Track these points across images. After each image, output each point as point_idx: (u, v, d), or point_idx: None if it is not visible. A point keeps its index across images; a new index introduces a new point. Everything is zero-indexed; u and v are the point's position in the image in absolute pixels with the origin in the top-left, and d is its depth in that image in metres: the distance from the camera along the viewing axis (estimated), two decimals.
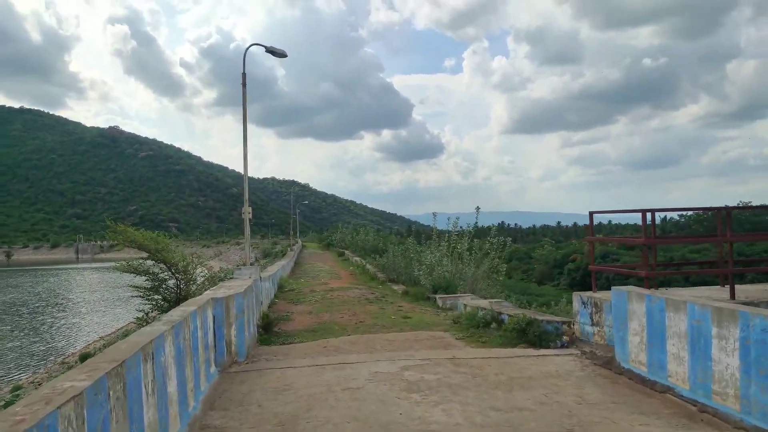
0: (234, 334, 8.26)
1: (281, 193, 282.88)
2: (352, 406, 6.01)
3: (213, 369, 7.38)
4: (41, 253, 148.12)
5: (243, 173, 13.61)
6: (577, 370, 7.41)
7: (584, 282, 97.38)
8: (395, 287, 23.09)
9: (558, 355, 8.29)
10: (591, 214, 8.89)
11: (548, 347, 8.81)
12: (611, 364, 7.45)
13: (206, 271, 18.63)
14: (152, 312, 11.74)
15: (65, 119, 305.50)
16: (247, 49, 13.95)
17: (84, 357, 21.24)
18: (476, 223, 19.70)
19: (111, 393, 3.69)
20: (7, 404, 12.63)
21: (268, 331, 11.09)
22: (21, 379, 20.26)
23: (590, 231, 9.02)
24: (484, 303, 13.11)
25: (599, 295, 8.60)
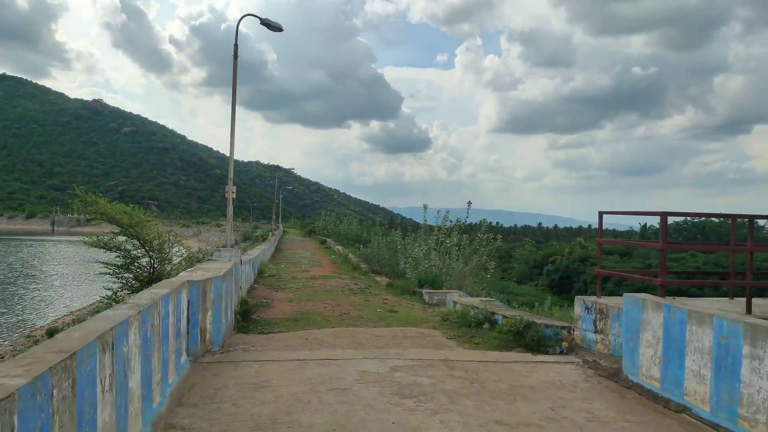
0: (210, 321, 7.56)
1: (265, 177, 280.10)
2: (339, 411, 5.36)
3: (184, 358, 6.68)
4: (16, 222, 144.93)
5: (229, 150, 12.87)
6: (581, 380, 6.85)
7: (562, 284, 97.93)
8: (378, 278, 22.48)
9: (558, 362, 7.73)
10: (601, 214, 8.32)
11: (546, 353, 8.26)
12: (617, 376, 6.91)
13: (184, 251, 17.82)
14: (122, 291, 10.95)
15: (48, 89, 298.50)
16: (241, 19, 13.15)
17: (51, 332, 20.32)
18: (467, 218, 19.14)
19: (55, 392, 3.00)
20: None
21: (247, 317, 10.39)
22: None
23: (599, 232, 8.45)
24: (474, 301, 12.54)
25: (605, 300, 8.05)
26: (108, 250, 10.86)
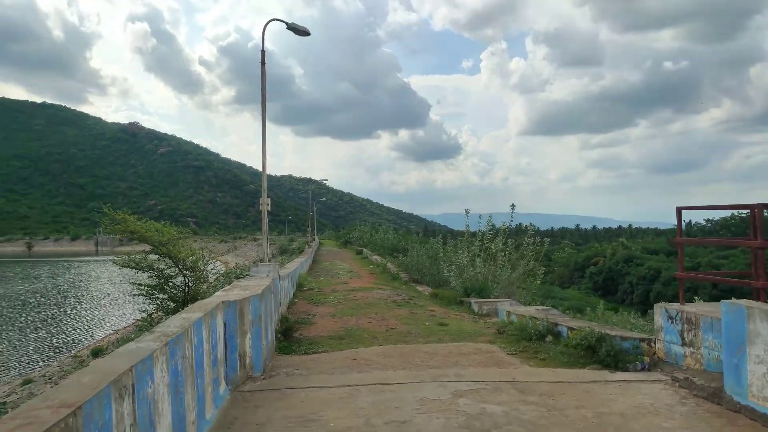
0: (249, 345, 6.87)
1: (298, 190, 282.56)
2: None
3: (223, 388, 5.99)
4: (62, 245, 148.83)
5: (261, 161, 12.27)
6: (676, 403, 5.88)
7: (606, 286, 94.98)
8: (420, 288, 21.65)
9: (643, 381, 6.76)
10: (679, 210, 7.34)
11: (626, 369, 7.29)
12: (719, 397, 5.92)
13: (221, 267, 17.31)
14: (156, 312, 10.41)
15: (86, 114, 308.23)
16: (267, 24, 12.58)
17: (96, 352, 20.15)
18: (511, 221, 18.14)
19: None
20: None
21: (288, 336, 9.70)
22: (33, 372, 19.26)
23: (678, 231, 7.46)
24: (530, 311, 11.60)
25: (692, 308, 7.05)
26: (140, 270, 10.33)
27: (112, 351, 19.58)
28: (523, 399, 5.93)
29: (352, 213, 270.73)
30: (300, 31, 12.65)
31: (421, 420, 5.29)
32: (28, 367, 20.63)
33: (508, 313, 11.61)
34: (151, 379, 3.57)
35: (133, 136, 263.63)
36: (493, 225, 18.09)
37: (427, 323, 11.42)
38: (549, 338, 9.08)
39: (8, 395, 14.49)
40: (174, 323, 4.76)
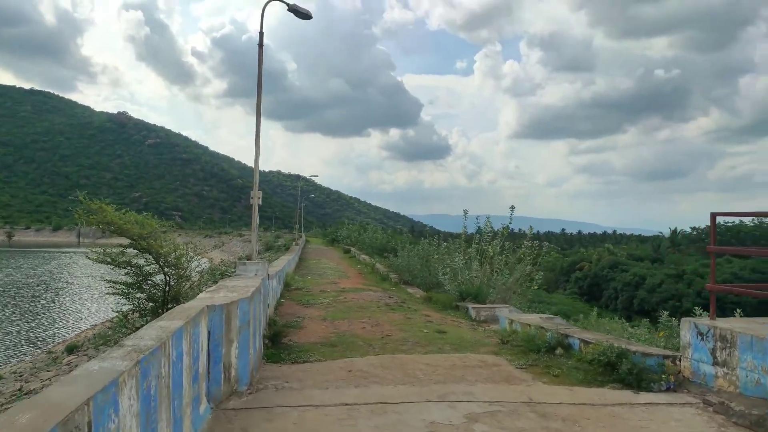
0: (235, 355, 6.12)
1: (286, 186, 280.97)
2: None
3: (203, 407, 5.24)
4: (43, 235, 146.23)
5: (253, 159, 11.51)
6: None
7: (591, 291, 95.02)
8: (411, 290, 20.97)
9: (672, 404, 6.13)
10: (714, 216, 6.72)
11: (650, 390, 6.65)
12: (763, 425, 5.30)
13: (206, 263, 16.51)
14: (133, 314, 9.57)
15: (75, 102, 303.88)
16: (266, 4, 11.82)
17: (71, 348, 19.22)
18: (510, 223, 17.49)
19: None
20: None
21: (277, 342, 8.96)
22: (4, 369, 18.31)
23: (712, 238, 6.83)
24: (533, 319, 10.96)
25: (726, 324, 6.42)
26: (115, 266, 9.45)
27: (85, 350, 18.57)
28: (545, 426, 5.26)
29: (339, 211, 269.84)
30: (301, 13, 11.92)
31: None
32: (0, 363, 19.68)
33: (511, 321, 10.95)
34: (114, 412, 2.83)
35: (121, 126, 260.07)
36: (491, 227, 17.43)
37: (425, 330, 10.72)
38: (559, 351, 8.43)
39: None
40: (149, 334, 4.01)
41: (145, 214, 9.68)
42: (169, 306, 8.53)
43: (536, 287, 17.27)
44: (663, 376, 6.78)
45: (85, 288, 43.60)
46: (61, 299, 37.44)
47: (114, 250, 9.49)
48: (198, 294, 7.44)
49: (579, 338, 8.36)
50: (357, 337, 9.97)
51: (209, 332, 5.52)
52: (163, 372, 3.78)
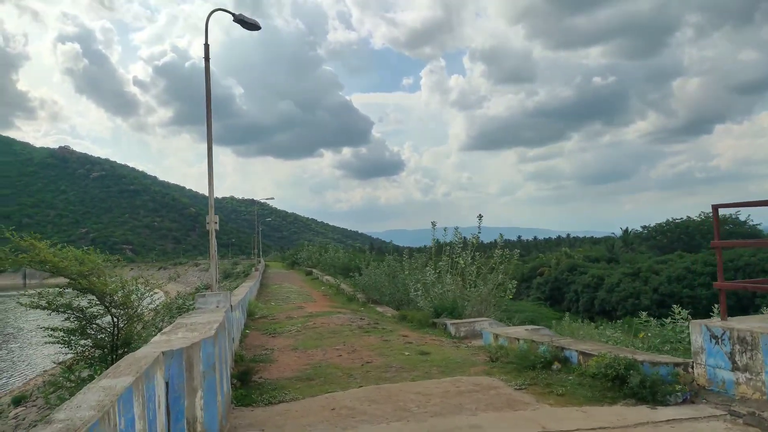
0: (200, 406, 5.19)
1: (240, 212, 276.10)
2: None
3: None
4: None
5: (207, 181, 10.59)
6: None
7: (553, 296, 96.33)
8: (380, 309, 20.19)
9: (697, 418, 5.52)
10: (715, 208, 6.23)
11: (666, 403, 6.05)
12: None
13: (160, 297, 15.32)
14: (78, 365, 8.36)
15: (12, 139, 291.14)
16: (210, 14, 10.97)
17: (17, 399, 17.55)
18: (479, 233, 16.94)
19: None
20: None
21: (246, 381, 8.00)
22: None
23: (716, 232, 6.33)
24: (519, 332, 10.33)
25: (743, 325, 5.89)
26: (52, 310, 8.25)
27: (34, 400, 16.90)
28: None
29: (297, 233, 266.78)
30: (249, 24, 11.11)
31: None
32: None
33: (496, 336, 10.29)
34: None
35: (63, 161, 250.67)
36: (462, 237, 16.83)
37: (406, 353, 9.93)
38: (556, 366, 7.79)
39: None
40: (88, 400, 3.11)
41: (86, 249, 8.55)
42: (120, 352, 7.50)
43: (510, 296, 16.71)
44: (678, 387, 6.20)
45: (37, 332, 41.03)
46: (8, 346, 35.03)
47: (51, 290, 8.33)
48: (152, 337, 6.45)
49: (576, 350, 7.74)
50: (334, 366, 9.09)
51: (167, 384, 4.60)
52: None
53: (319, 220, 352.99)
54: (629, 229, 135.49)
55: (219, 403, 5.79)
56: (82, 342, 8.28)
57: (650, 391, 6.14)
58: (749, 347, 5.66)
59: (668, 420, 5.49)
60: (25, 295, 9.60)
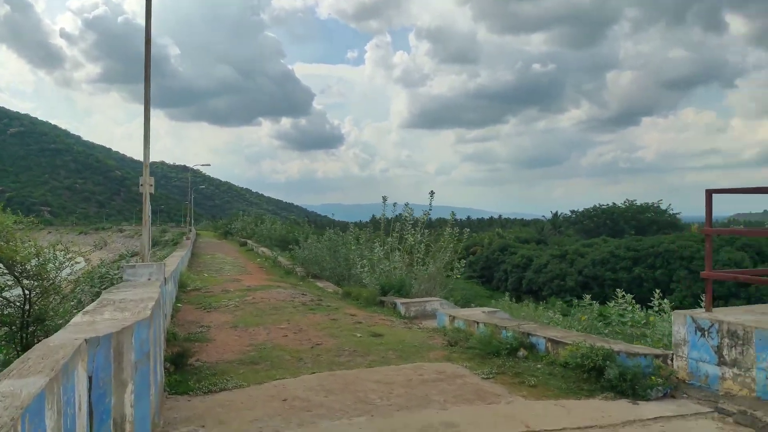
0: (130, 402, 4.30)
1: (171, 178, 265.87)
2: None
3: None
4: None
5: (143, 139, 9.42)
6: None
7: (483, 274, 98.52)
8: (321, 284, 19.46)
9: (683, 416, 5.15)
10: (709, 194, 5.83)
11: (647, 397, 5.67)
12: None
13: (81, 264, 13.95)
14: None
15: None
16: None
17: None
18: (430, 210, 16.41)
19: None
20: None
21: (181, 365, 7.08)
22: None
23: (708, 219, 5.94)
24: (476, 314, 9.86)
25: (733, 317, 5.56)
26: None
27: None
28: None
29: (230, 202, 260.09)
30: None
31: None
32: None
33: (452, 318, 9.78)
34: None
35: None
36: (412, 213, 16.23)
37: (358, 334, 9.25)
38: (522, 353, 7.33)
39: None
40: None
41: None
42: (31, 329, 6.41)
43: (459, 276, 16.37)
44: (659, 380, 5.83)
45: None
46: None
47: None
48: (70, 313, 5.43)
49: (544, 337, 7.30)
50: (281, 348, 8.30)
51: (90, 379, 3.70)
52: None
53: (254, 190, 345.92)
54: (558, 213, 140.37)
55: (152, 396, 4.92)
56: None
57: (630, 385, 5.74)
58: (740, 342, 5.33)
59: (656, 418, 5.09)
60: None
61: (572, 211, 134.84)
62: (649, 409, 5.35)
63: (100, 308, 5.19)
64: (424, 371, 6.86)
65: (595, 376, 6.07)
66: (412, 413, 5.33)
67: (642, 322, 10.47)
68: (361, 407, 5.55)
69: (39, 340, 5.82)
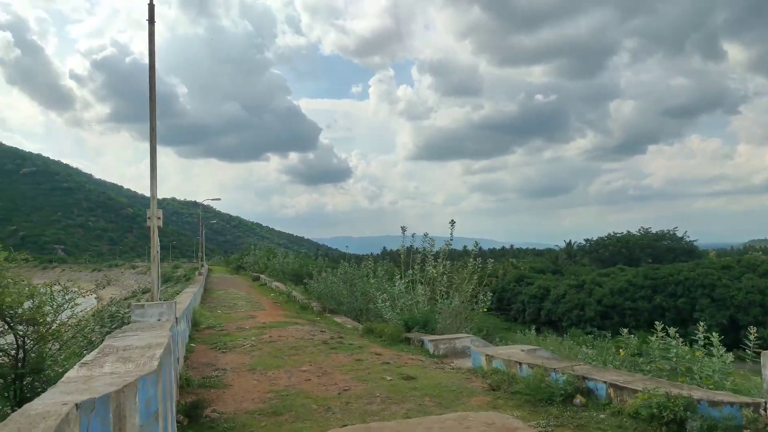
0: None
1: (182, 214, 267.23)
2: None
3: None
4: None
5: (150, 170, 8.81)
6: None
7: (500, 306, 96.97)
8: (339, 320, 18.60)
9: None
10: None
11: None
12: None
13: (92, 303, 13.22)
14: None
15: None
16: None
17: None
18: (451, 239, 15.61)
19: None
20: None
21: (196, 418, 6.27)
22: None
23: None
24: (515, 353, 8.98)
25: None
26: None
27: None
28: None
29: (241, 237, 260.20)
30: None
31: None
32: None
33: (489, 358, 8.91)
34: None
35: None
36: (433, 244, 15.42)
37: (388, 378, 8.40)
38: (579, 400, 6.46)
39: None
40: None
41: None
42: (27, 380, 5.65)
43: (485, 309, 15.46)
44: None
45: None
46: None
47: None
48: (70, 362, 4.68)
49: (604, 381, 6.43)
50: (305, 395, 7.46)
51: None
52: None
53: (264, 224, 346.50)
54: (572, 242, 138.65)
55: None
56: None
57: None
58: None
59: None
60: None
61: (586, 240, 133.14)
62: None
63: (101, 358, 4.43)
64: (470, 423, 5.99)
65: (675, 430, 5.20)
66: None
67: (686, 357, 9.55)
68: None
69: (38, 393, 5.08)
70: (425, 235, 16.20)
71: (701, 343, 9.70)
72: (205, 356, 10.92)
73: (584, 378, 6.67)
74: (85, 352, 6.48)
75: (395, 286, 15.20)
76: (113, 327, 9.06)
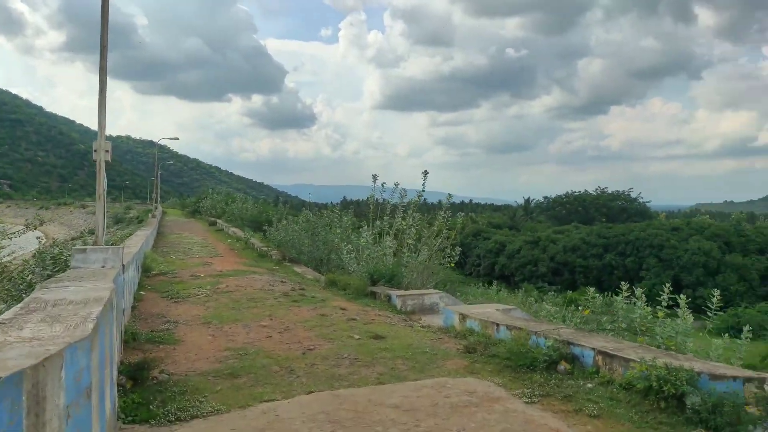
0: None
1: (137, 153, 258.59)
2: None
3: None
4: None
5: (98, 93, 7.77)
6: None
7: (457, 261, 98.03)
8: (299, 269, 17.99)
9: None
10: None
11: None
12: None
13: (39, 240, 12.18)
14: None
15: None
16: None
17: None
18: (423, 191, 14.99)
19: None
20: None
21: (142, 380, 5.58)
22: None
23: None
24: (490, 313, 8.54)
25: None
26: None
27: None
28: None
29: (198, 180, 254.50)
30: None
31: None
32: None
33: (462, 317, 8.44)
34: None
35: None
36: (405, 195, 14.78)
37: (356, 337, 7.83)
38: (563, 367, 6.04)
39: None
40: None
41: None
42: None
43: (452, 264, 15.08)
44: (756, 412, 4.59)
45: None
46: None
47: None
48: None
49: (591, 348, 6.00)
50: (266, 354, 6.83)
51: None
52: None
53: (223, 168, 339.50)
54: (530, 199, 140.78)
55: None
56: None
57: (727, 420, 4.48)
58: None
59: None
60: None
61: (545, 197, 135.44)
62: None
63: (23, 316, 3.64)
64: (449, 391, 5.49)
65: (675, 405, 4.80)
66: None
67: (648, 318, 9.34)
68: None
69: None
70: (396, 184, 15.53)
71: (664, 304, 9.48)
72: (156, 306, 10.15)
73: (569, 343, 6.24)
74: (11, 302, 5.64)
75: (362, 237, 14.59)
76: (56, 270, 8.20)
